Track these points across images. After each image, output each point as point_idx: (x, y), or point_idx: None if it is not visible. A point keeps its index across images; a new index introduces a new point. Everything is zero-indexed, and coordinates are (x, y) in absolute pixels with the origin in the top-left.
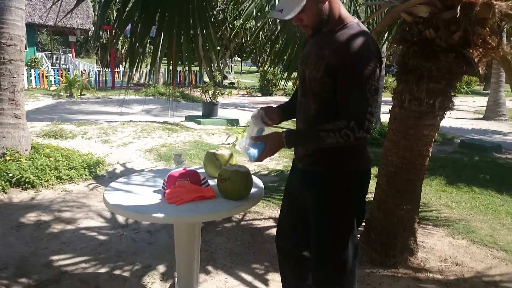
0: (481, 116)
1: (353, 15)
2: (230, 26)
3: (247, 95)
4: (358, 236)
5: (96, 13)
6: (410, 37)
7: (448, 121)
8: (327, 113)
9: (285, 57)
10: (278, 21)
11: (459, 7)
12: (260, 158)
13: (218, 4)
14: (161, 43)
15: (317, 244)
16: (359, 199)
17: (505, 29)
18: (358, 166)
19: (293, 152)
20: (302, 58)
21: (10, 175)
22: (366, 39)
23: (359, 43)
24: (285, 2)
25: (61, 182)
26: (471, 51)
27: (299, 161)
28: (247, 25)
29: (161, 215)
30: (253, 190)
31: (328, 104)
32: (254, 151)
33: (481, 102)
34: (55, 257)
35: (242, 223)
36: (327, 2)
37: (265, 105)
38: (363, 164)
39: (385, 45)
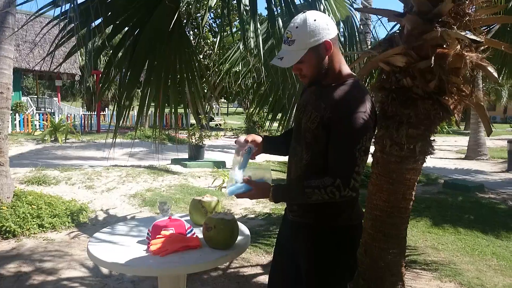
0: (463, 155)
1: None
2: (216, 70)
3: (233, 136)
4: None
5: (84, 58)
6: (389, 85)
7: (432, 161)
8: (319, 164)
9: (270, 99)
10: (262, 69)
11: (433, 57)
12: (238, 196)
13: (205, 49)
14: (148, 92)
15: None
16: (350, 254)
17: (480, 75)
18: (348, 220)
19: None
20: (299, 106)
21: None
22: (364, 99)
23: (357, 102)
24: (286, 51)
25: (43, 230)
26: (446, 98)
27: (289, 211)
28: (233, 69)
29: (144, 267)
30: (239, 238)
31: (319, 155)
32: (235, 187)
33: (463, 141)
34: None
35: (229, 271)
36: (328, 55)
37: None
38: (354, 218)
39: None
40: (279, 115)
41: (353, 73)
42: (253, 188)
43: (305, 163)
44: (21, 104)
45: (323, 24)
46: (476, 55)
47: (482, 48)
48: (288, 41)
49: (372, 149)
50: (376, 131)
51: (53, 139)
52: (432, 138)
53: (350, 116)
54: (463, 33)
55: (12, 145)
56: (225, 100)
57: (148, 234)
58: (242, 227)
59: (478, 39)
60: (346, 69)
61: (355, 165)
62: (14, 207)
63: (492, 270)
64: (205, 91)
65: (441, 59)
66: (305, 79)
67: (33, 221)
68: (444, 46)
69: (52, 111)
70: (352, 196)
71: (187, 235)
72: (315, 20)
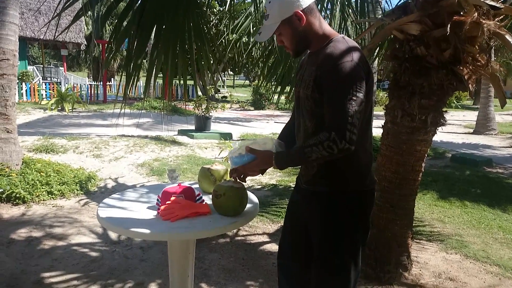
0: (471, 130)
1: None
2: (223, 40)
3: (240, 109)
4: None
5: (89, 28)
6: (402, 54)
7: (439, 135)
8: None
9: (278, 72)
10: (275, 37)
11: (449, 25)
12: (243, 167)
13: (212, 18)
14: (156, 59)
15: (318, 266)
16: (363, 220)
17: (493, 45)
18: (361, 186)
19: (288, 168)
20: (297, 81)
21: (1, 190)
22: (350, 51)
23: (341, 54)
24: (263, 26)
25: (52, 197)
26: (461, 68)
27: (302, 180)
28: (242, 40)
29: (155, 232)
30: (248, 205)
31: (323, 119)
32: (240, 159)
33: (471, 116)
34: (46, 274)
35: (236, 238)
36: (303, 25)
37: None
38: (367, 184)
39: (376, 60)
40: (287, 88)
41: (337, 33)
42: (257, 157)
43: (311, 132)
44: (27, 73)
45: None
46: (494, 23)
47: (500, 17)
48: (265, 16)
49: (379, 122)
50: (370, 83)
51: (60, 108)
52: (444, 110)
53: (335, 67)
54: None
55: (20, 114)
56: (231, 72)
57: (158, 200)
58: (251, 195)
59: (497, 5)
60: (329, 29)
61: (347, 116)
62: (23, 174)
63: (498, 243)
64: (211, 62)
65: (457, 27)
66: (289, 50)
67: (42, 188)
68: (461, 13)
69: (58, 81)
70: (351, 150)
71: (197, 202)
72: None
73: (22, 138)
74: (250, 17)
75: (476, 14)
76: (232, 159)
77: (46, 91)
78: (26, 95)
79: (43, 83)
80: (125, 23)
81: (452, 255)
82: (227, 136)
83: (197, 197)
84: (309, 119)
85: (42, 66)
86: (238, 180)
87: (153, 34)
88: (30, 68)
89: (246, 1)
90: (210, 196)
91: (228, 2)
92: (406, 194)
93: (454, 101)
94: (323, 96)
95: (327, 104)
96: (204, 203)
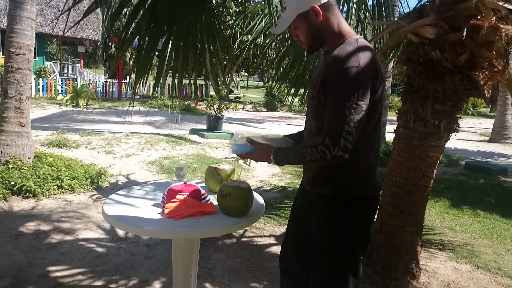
0: (487, 138)
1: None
2: (238, 41)
3: (252, 110)
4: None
5: (105, 25)
6: (416, 57)
7: (454, 142)
8: None
9: (291, 74)
10: (287, 38)
11: (465, 29)
12: (241, 156)
13: (227, 19)
14: (167, 56)
15: (316, 269)
16: (364, 226)
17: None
18: (364, 191)
19: (296, 169)
20: (311, 81)
21: (12, 183)
22: (358, 55)
23: (348, 58)
24: (280, 18)
25: (62, 192)
26: (477, 73)
27: (306, 182)
28: (256, 41)
29: (159, 230)
30: (253, 206)
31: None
32: (240, 147)
33: (487, 124)
34: (52, 268)
35: (242, 239)
36: (320, 20)
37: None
38: (370, 190)
39: (391, 64)
40: (301, 90)
41: (354, 32)
42: (257, 149)
43: (314, 132)
44: (44, 69)
45: None
46: None
47: None
48: (283, 8)
49: (392, 126)
50: (379, 90)
51: (74, 104)
52: (458, 116)
53: (340, 72)
54: (500, 3)
55: (35, 109)
56: (245, 73)
57: (163, 197)
58: (257, 196)
59: None
60: (346, 28)
61: (344, 123)
62: (34, 168)
63: (510, 254)
64: (225, 62)
65: (474, 31)
66: (304, 46)
67: (52, 182)
68: (479, 17)
69: (75, 77)
70: (344, 157)
71: (202, 201)
72: None
73: (36, 132)
74: (265, 18)
75: (494, 18)
76: (233, 146)
77: (62, 87)
78: (43, 90)
79: (60, 79)
80: (137, 19)
81: (462, 264)
82: None
83: (203, 196)
84: (313, 119)
85: (59, 62)
86: (247, 164)
87: (164, 31)
88: (47, 64)
89: (262, 2)
90: (216, 195)
91: (239, 1)
92: (416, 200)
93: (470, 108)
94: (327, 98)
95: (327, 108)
96: (209, 202)
